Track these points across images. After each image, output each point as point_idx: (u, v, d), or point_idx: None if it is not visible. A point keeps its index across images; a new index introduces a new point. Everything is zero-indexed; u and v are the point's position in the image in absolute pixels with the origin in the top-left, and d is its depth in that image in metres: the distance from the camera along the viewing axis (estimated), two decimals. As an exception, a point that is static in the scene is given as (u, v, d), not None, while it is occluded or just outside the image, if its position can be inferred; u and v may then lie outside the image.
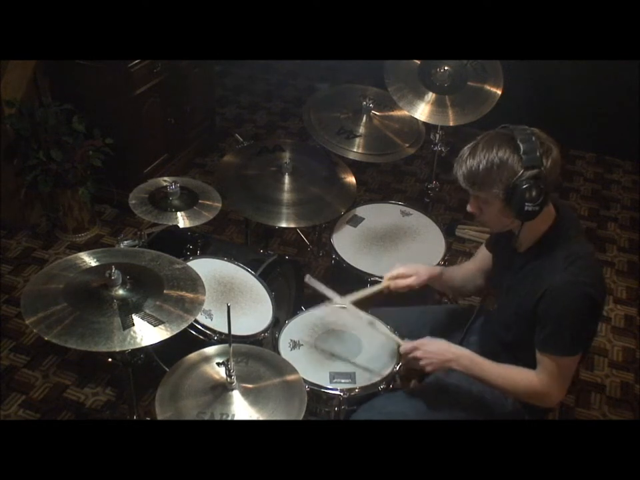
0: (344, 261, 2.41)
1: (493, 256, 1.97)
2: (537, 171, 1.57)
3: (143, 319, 1.67)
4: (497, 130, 1.66)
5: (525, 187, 1.57)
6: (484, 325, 2.04)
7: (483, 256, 2.04)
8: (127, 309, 1.68)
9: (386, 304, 2.19)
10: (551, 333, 1.64)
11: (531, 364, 1.72)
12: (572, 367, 1.70)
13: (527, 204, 1.58)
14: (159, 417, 1.61)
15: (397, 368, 1.96)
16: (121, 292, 1.73)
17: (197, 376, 1.72)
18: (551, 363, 1.67)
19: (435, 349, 1.80)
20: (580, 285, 1.60)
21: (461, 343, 2.03)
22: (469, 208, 1.74)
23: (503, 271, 1.87)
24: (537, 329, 1.67)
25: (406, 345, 1.86)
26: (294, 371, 1.77)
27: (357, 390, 1.90)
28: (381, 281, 2.07)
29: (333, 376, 1.93)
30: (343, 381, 1.91)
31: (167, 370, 1.77)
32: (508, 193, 1.60)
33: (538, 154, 1.57)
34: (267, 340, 2.13)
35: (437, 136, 2.80)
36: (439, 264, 2.40)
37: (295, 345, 2.04)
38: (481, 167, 1.60)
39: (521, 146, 1.57)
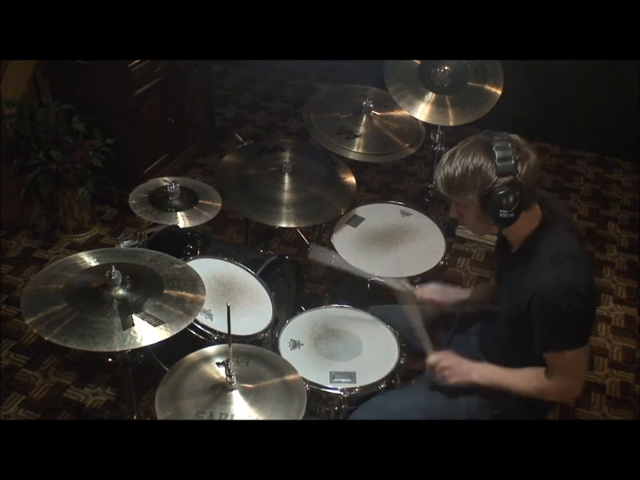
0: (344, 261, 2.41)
1: (495, 257, 1.98)
2: (511, 178, 1.58)
3: (143, 319, 1.67)
4: (476, 136, 1.67)
5: (499, 193, 1.58)
6: (486, 325, 2.04)
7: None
8: (126, 309, 1.68)
9: (387, 301, 2.19)
10: (547, 332, 1.65)
11: (525, 362, 1.74)
12: (580, 358, 1.70)
13: (501, 211, 1.60)
14: (159, 417, 1.61)
15: (400, 363, 1.96)
16: (121, 292, 1.73)
17: (197, 376, 1.72)
18: (558, 359, 1.68)
19: (458, 361, 1.84)
20: (568, 283, 1.60)
21: (460, 342, 2.04)
22: (450, 213, 1.76)
23: (501, 271, 1.89)
24: (535, 330, 1.68)
25: (431, 356, 1.87)
26: (294, 370, 1.77)
27: (357, 389, 1.90)
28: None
29: (333, 375, 1.93)
30: (343, 380, 1.92)
31: (167, 370, 1.77)
32: (483, 199, 1.62)
33: (513, 161, 1.58)
34: (266, 340, 2.13)
35: (437, 136, 2.80)
36: (439, 264, 2.41)
37: (295, 344, 2.04)
38: (456, 173, 1.63)
39: (496, 153, 1.58)
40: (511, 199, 1.58)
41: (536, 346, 1.69)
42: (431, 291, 2.08)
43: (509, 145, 1.59)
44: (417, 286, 2.10)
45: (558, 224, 1.72)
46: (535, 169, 1.62)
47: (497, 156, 1.58)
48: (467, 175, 1.61)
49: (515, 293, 1.73)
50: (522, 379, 1.76)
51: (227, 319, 1.60)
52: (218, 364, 1.71)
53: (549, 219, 1.71)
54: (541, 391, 1.74)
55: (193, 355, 1.79)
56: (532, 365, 1.73)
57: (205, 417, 1.60)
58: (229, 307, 1.60)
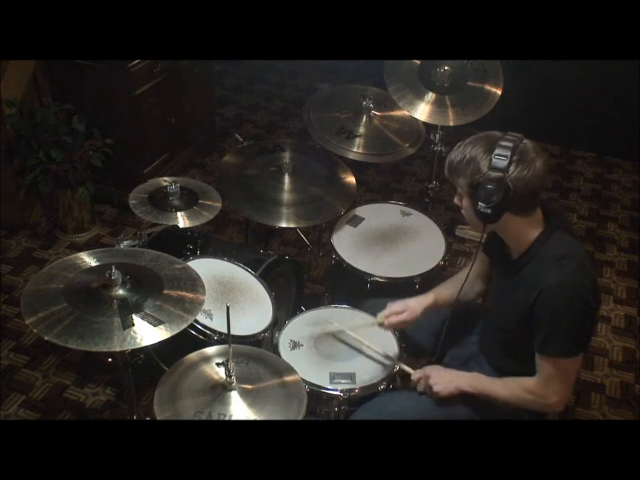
0: (344, 260, 2.41)
1: (490, 261, 1.97)
2: (500, 175, 1.59)
3: (143, 319, 1.67)
4: (491, 131, 1.69)
5: (482, 186, 1.61)
6: (484, 325, 2.04)
7: (480, 261, 2.02)
8: (127, 309, 1.68)
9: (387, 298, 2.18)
10: (547, 334, 1.65)
11: (528, 364, 1.73)
12: (571, 370, 1.70)
13: (480, 203, 1.63)
14: (157, 417, 1.61)
15: (397, 368, 1.96)
16: (121, 292, 1.73)
17: (197, 376, 1.72)
18: (548, 365, 1.67)
19: (442, 372, 1.85)
20: (572, 286, 1.61)
21: (458, 341, 2.04)
22: (455, 200, 1.78)
23: (498, 275, 1.89)
24: (535, 330, 1.67)
25: (416, 372, 1.89)
26: (293, 371, 1.77)
27: (356, 390, 1.90)
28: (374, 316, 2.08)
29: (333, 376, 1.93)
30: (342, 381, 1.91)
31: (167, 370, 1.77)
32: (471, 189, 1.65)
33: (507, 160, 1.59)
34: (266, 340, 2.13)
35: (437, 136, 2.80)
36: (439, 264, 2.40)
37: (294, 345, 2.04)
38: (457, 159, 1.67)
39: (495, 149, 1.60)
40: (493, 196, 1.60)
41: (535, 346, 1.69)
42: (397, 316, 2.00)
43: (512, 145, 1.60)
44: (379, 317, 2.04)
45: (560, 228, 1.72)
46: (533, 177, 1.61)
47: (495, 151, 1.60)
48: (463, 162, 1.65)
49: (517, 295, 1.72)
50: (505, 388, 1.76)
51: (226, 319, 1.60)
52: (218, 364, 1.70)
53: (551, 223, 1.71)
54: (525, 399, 1.74)
55: (192, 355, 1.79)
56: (533, 366, 1.72)
57: (204, 418, 1.60)
58: (228, 307, 1.60)
